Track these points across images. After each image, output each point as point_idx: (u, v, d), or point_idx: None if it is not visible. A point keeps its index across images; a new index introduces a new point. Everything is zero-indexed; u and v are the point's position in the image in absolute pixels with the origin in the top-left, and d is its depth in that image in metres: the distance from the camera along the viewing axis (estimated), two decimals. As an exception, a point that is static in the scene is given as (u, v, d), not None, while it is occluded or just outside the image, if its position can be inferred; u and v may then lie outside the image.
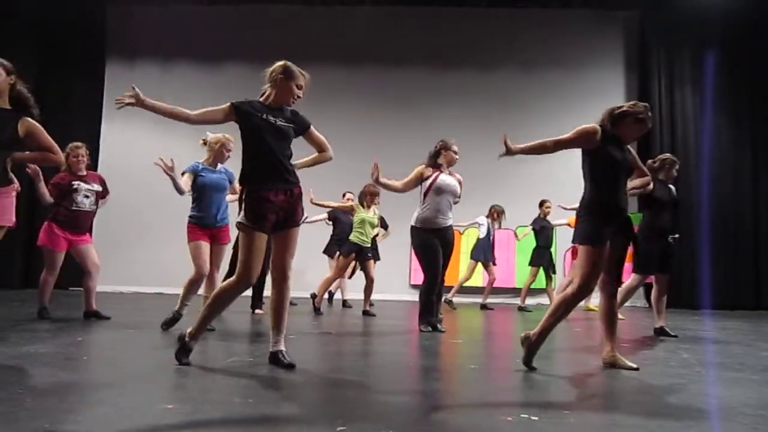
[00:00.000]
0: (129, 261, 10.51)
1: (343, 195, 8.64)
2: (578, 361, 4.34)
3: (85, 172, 5.88)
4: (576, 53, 11.39)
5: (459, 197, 5.82)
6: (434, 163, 5.76)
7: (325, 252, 8.83)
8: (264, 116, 3.44)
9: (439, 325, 5.60)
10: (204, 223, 5.12)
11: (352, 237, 7.42)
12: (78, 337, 4.59)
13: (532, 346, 3.69)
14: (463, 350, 4.86)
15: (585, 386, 3.37)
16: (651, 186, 5.31)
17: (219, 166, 5.25)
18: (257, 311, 7.10)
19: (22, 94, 3.70)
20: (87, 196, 5.80)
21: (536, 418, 2.45)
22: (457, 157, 5.81)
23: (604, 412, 2.72)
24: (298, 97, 3.54)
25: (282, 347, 3.49)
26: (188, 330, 3.54)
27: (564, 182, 10.29)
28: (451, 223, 5.74)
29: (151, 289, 10.40)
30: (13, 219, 3.66)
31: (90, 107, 11.25)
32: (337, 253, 8.33)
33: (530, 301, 9.44)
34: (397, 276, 10.74)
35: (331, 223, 8.78)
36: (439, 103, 11.17)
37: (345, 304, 8.57)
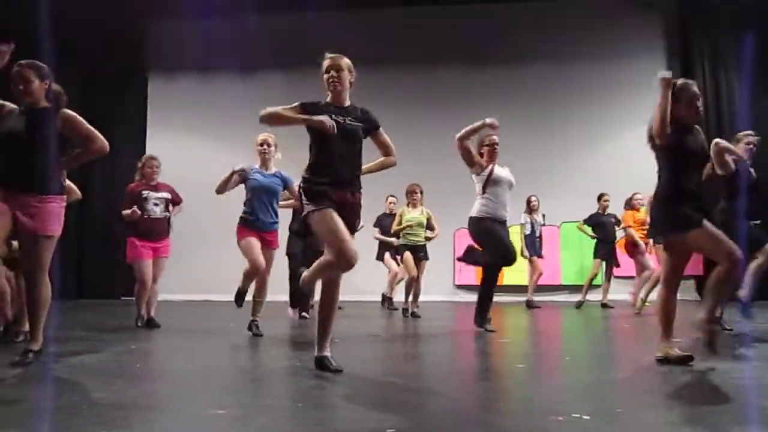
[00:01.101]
0: (176, 269, 10.67)
1: (386, 199, 8.61)
2: (630, 358, 4.24)
3: (155, 182, 6.11)
4: (614, 44, 11.14)
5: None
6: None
7: (378, 258, 8.69)
8: (332, 116, 3.35)
9: (487, 326, 5.52)
10: (253, 226, 5.13)
11: (403, 239, 7.38)
12: (131, 345, 4.71)
13: (711, 331, 3.55)
14: (511, 349, 4.81)
15: (638, 384, 3.28)
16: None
17: (274, 169, 5.25)
18: (303, 314, 7.10)
19: (56, 93, 3.81)
20: (156, 204, 6.01)
21: (588, 417, 2.40)
22: (498, 150, 5.73)
23: (658, 411, 2.64)
24: (334, 80, 3.42)
25: (328, 352, 3.45)
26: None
27: (610, 176, 10.14)
28: (507, 216, 5.69)
29: (199, 297, 10.59)
30: (59, 230, 3.71)
31: (135, 119, 11.61)
32: (387, 254, 8.37)
33: (574, 297, 9.25)
34: (441, 276, 10.69)
35: (377, 229, 8.63)
36: (475, 100, 11.04)
37: (392, 305, 8.48)
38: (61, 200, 3.74)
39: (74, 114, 3.73)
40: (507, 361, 4.27)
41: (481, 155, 5.68)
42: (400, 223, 7.45)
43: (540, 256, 9.05)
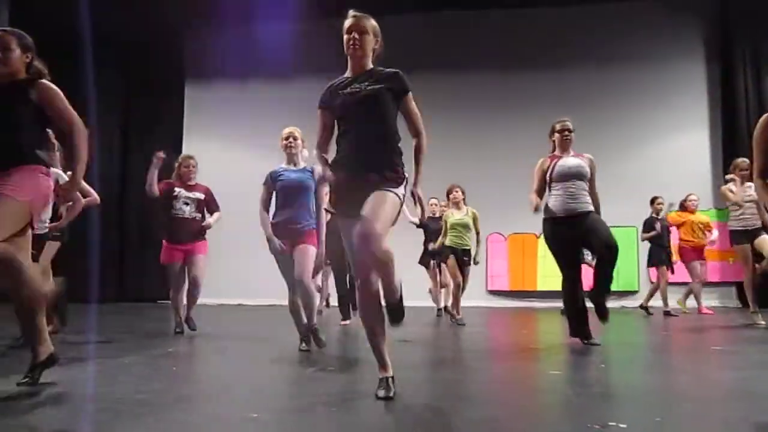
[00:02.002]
0: (211, 273, 10.87)
1: (428, 201, 8.52)
2: (667, 366, 4.15)
3: (193, 182, 5.89)
4: (653, 47, 10.97)
5: (589, 177, 5.05)
6: (552, 150, 5.25)
7: (420, 262, 8.60)
8: (348, 89, 2.94)
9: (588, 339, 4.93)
10: (281, 231, 4.54)
11: (447, 241, 7.10)
12: (168, 348, 4.78)
13: None
14: (545, 356, 4.75)
15: (676, 391, 3.21)
16: None
17: (302, 164, 4.70)
18: (344, 322, 6.82)
19: (37, 69, 3.33)
20: (186, 204, 5.76)
21: (624, 426, 2.36)
22: (569, 138, 5.12)
23: (697, 419, 2.58)
24: (354, 44, 2.94)
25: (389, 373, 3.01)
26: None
27: (647, 180, 9.97)
28: (588, 208, 4.94)
29: (233, 301, 10.73)
30: (31, 197, 3.06)
31: (172, 125, 11.85)
32: (432, 262, 8.19)
33: (613, 303, 9.11)
34: (473, 282, 10.62)
35: (421, 228, 8.46)
36: (516, 105, 11.01)
37: (441, 312, 8.25)
38: (37, 169, 3.14)
39: (54, 88, 3.24)
40: (541, 368, 4.22)
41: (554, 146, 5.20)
42: (446, 232, 7.14)
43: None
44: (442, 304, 8.43)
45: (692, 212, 8.29)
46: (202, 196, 5.87)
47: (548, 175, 5.09)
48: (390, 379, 2.94)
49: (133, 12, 10.97)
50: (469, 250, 7.12)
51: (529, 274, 10.50)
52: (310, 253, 4.53)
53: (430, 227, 8.20)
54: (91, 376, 3.45)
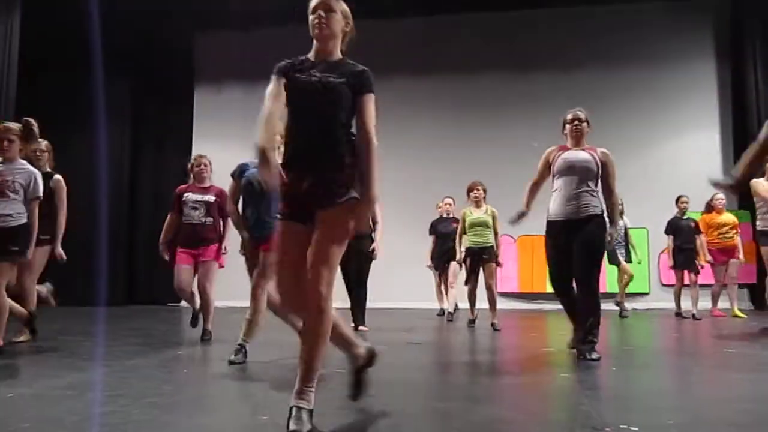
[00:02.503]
0: (222, 275, 10.91)
1: (442, 200, 8.38)
2: (679, 369, 4.13)
3: (206, 184, 5.60)
4: (663, 47, 10.90)
5: (601, 175, 4.49)
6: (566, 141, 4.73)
7: (433, 266, 8.41)
8: (308, 74, 2.59)
9: (588, 353, 4.21)
10: (254, 238, 4.21)
11: (467, 242, 6.81)
12: (178, 351, 4.80)
13: None
14: (555, 359, 4.73)
15: (688, 394, 3.19)
16: None
17: None
18: (361, 328, 6.45)
19: None
20: (195, 208, 5.43)
21: (636, 429, 2.35)
22: (579, 128, 4.60)
23: (709, 422, 2.56)
24: (320, 23, 2.59)
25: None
26: None
27: (659, 181, 9.92)
28: (592, 211, 4.38)
29: (243, 304, 10.72)
30: None
31: (181, 129, 11.88)
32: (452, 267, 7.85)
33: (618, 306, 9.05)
34: (482, 284, 10.59)
35: (432, 237, 8.28)
36: (522, 107, 10.98)
37: (451, 315, 7.87)
38: None
39: None
40: (552, 371, 4.20)
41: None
42: (464, 229, 6.85)
43: (627, 260, 8.47)
44: (445, 305, 8.22)
45: (720, 213, 8.12)
46: (212, 199, 5.50)
47: (552, 167, 4.59)
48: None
49: (141, 19, 11.05)
50: (491, 247, 6.69)
51: (539, 276, 10.44)
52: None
53: (439, 229, 8.13)
54: (101, 379, 3.47)
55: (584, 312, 4.34)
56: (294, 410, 2.27)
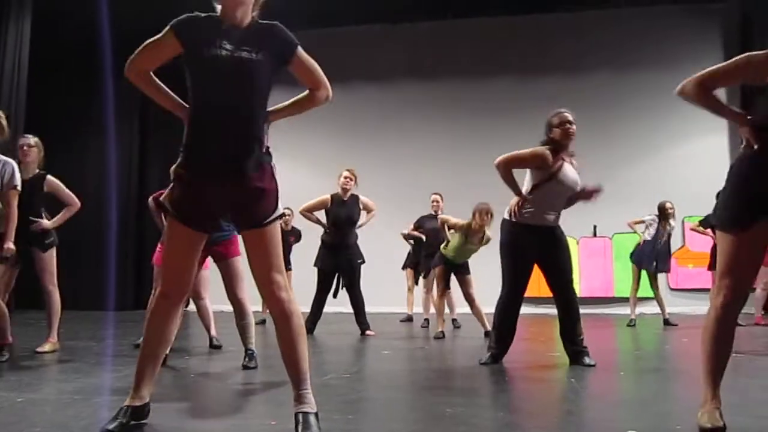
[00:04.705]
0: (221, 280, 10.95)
1: (429, 197, 7.93)
2: (687, 373, 4.10)
3: None
4: (671, 51, 10.87)
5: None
6: (553, 146, 4.29)
7: (404, 268, 8.24)
8: (217, 48, 2.28)
9: (587, 358, 4.20)
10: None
11: (449, 252, 6.27)
12: (185, 356, 4.81)
13: None
14: (561, 363, 4.71)
15: (695, 399, 3.17)
16: None
17: None
18: (368, 333, 6.33)
19: None
20: None
21: (645, 435, 2.34)
22: (573, 130, 4.37)
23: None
24: None
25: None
26: None
27: (667, 185, 9.87)
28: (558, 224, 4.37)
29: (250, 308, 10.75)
30: None
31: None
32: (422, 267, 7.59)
33: (627, 310, 8.98)
34: (488, 287, 10.56)
35: (412, 242, 7.93)
36: (530, 111, 10.93)
37: (454, 323, 7.44)
38: None
39: None
40: (558, 376, 4.19)
41: (553, 137, 4.36)
42: (449, 244, 6.26)
43: (666, 270, 8.26)
44: (420, 311, 7.75)
45: None
46: None
47: (544, 172, 4.22)
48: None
49: (149, 18, 11.11)
50: (466, 262, 6.38)
51: (544, 280, 10.41)
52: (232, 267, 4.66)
53: (426, 225, 7.57)
54: (108, 384, 3.48)
55: (577, 316, 4.39)
56: (301, 416, 2.25)
